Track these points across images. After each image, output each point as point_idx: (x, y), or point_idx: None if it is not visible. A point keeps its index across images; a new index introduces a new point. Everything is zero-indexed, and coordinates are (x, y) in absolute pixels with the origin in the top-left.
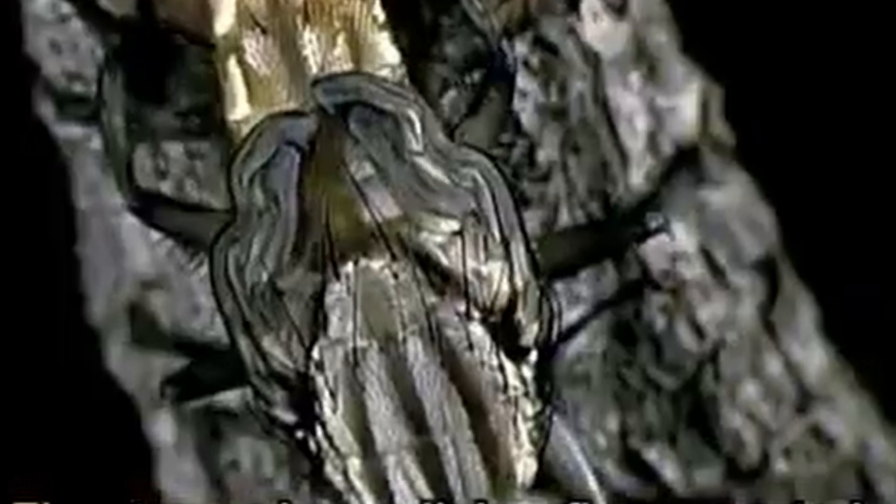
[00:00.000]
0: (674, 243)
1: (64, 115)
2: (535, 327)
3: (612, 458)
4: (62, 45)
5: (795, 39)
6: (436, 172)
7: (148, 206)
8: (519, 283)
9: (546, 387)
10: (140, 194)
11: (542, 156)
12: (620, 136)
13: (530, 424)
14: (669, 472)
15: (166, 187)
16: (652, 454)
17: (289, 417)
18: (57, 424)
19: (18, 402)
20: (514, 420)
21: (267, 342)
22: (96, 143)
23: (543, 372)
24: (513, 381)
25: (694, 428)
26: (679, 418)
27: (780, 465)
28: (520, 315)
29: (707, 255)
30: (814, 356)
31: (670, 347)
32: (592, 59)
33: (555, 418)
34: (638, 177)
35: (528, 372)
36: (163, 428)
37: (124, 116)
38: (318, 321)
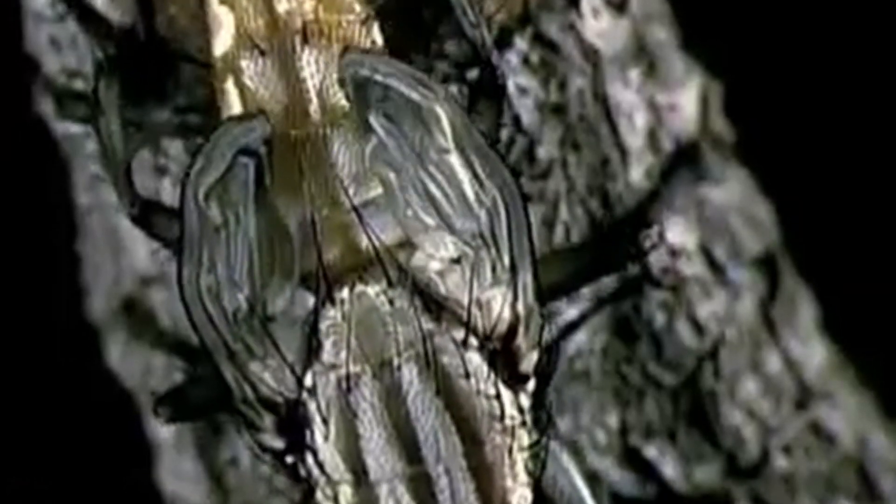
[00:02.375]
0: (674, 240)
1: (64, 112)
2: (534, 355)
3: (612, 455)
4: (62, 41)
5: (795, 35)
6: (462, 175)
7: (147, 215)
8: (521, 310)
9: (543, 416)
10: (139, 202)
11: (542, 152)
12: (620, 132)
13: (526, 454)
14: (669, 468)
15: (166, 184)
16: (652, 451)
17: (278, 443)
18: (56, 422)
19: (17, 400)
20: (510, 450)
21: (255, 369)
22: (96, 139)
23: (541, 400)
24: (509, 410)
25: (694, 425)
26: (679, 415)
27: (780, 462)
28: (520, 342)
29: (707, 252)
30: (814, 353)
31: (670, 344)
32: (592, 55)
33: (553, 445)
34: (638, 173)
35: (525, 401)
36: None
37: (121, 123)
38: (311, 347)
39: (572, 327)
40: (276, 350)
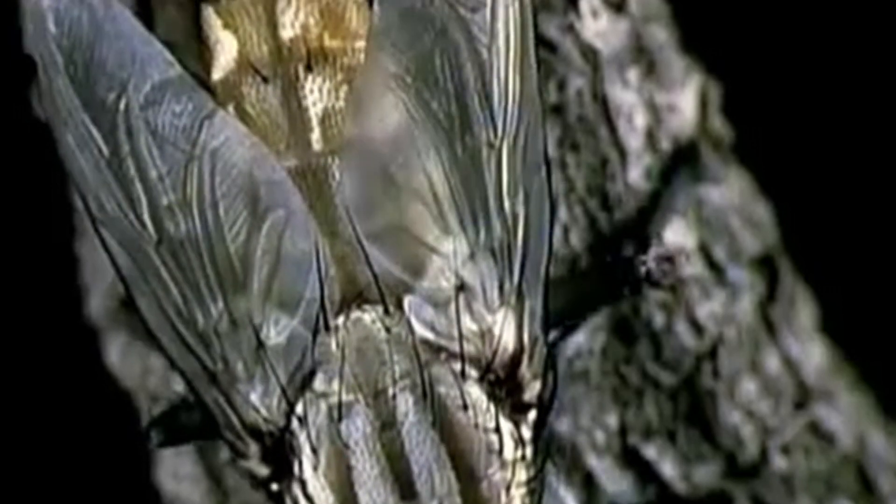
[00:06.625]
0: (672, 241)
1: None
2: (536, 385)
3: (610, 455)
4: None
5: (794, 36)
6: (494, 177)
7: None
8: (526, 339)
9: (542, 447)
10: None
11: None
12: (619, 133)
13: (523, 490)
14: (668, 468)
15: None
16: (651, 451)
17: (263, 471)
18: (56, 422)
19: (17, 400)
20: (508, 487)
21: (240, 392)
22: None
23: (540, 432)
24: (508, 443)
25: (693, 425)
26: (678, 415)
27: (779, 462)
28: (523, 372)
29: (706, 252)
30: (813, 353)
31: (669, 344)
32: (591, 56)
33: (550, 478)
34: (637, 174)
35: (526, 432)
36: None
37: None
38: (304, 374)
39: (572, 328)
40: (271, 373)
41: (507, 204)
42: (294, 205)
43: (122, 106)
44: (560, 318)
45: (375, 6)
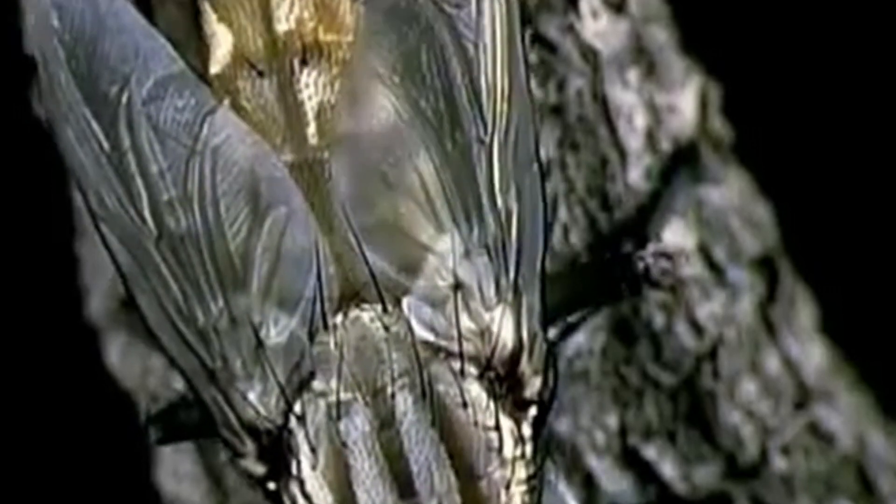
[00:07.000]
0: (672, 241)
1: None
2: (537, 381)
3: (610, 456)
4: None
5: (794, 37)
6: (485, 173)
7: None
8: (525, 335)
9: (541, 444)
10: None
11: (541, 153)
12: (619, 133)
13: (523, 488)
14: (668, 469)
15: None
16: (651, 452)
17: (259, 469)
18: (56, 422)
19: (17, 400)
20: (508, 485)
21: (238, 390)
22: None
23: (540, 429)
24: (508, 441)
25: (693, 425)
26: (678, 416)
27: (779, 463)
28: (523, 368)
29: (706, 253)
30: (813, 353)
31: (669, 345)
32: (591, 56)
33: (550, 476)
34: (636, 174)
35: (526, 430)
36: None
37: None
38: (302, 373)
39: (572, 328)
40: (270, 371)
41: (499, 200)
42: (295, 202)
43: (123, 100)
44: (559, 313)
45: (363, 5)
